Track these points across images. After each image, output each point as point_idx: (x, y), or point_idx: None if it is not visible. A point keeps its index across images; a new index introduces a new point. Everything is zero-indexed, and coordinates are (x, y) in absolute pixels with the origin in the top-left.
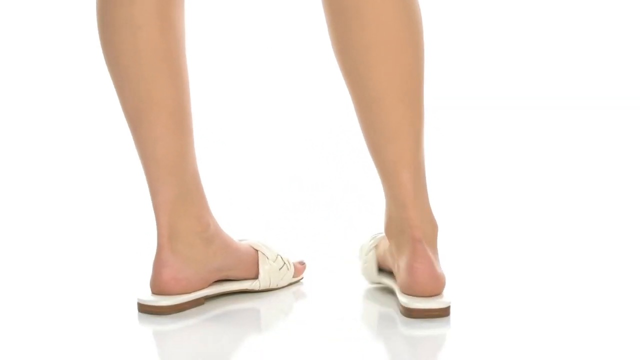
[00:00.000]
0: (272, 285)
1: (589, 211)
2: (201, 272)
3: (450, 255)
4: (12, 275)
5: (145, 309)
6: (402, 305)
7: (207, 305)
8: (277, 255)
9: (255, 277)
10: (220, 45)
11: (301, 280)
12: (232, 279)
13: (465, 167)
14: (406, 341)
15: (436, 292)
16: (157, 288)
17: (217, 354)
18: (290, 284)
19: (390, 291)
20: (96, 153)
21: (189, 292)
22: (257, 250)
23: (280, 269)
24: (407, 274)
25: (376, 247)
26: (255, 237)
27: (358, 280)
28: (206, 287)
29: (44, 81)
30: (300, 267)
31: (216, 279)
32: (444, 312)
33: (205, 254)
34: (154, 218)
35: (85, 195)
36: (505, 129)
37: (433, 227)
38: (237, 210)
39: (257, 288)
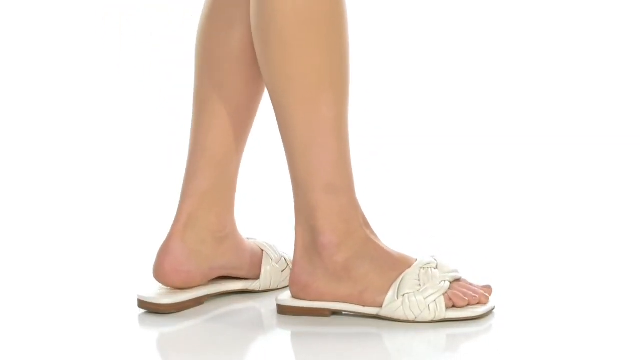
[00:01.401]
0: (273, 286)
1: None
2: (204, 268)
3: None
4: (15, 275)
5: (145, 306)
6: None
7: (208, 305)
8: (282, 257)
9: (257, 278)
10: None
11: None
12: (234, 276)
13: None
14: (405, 340)
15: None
16: (157, 276)
17: (218, 354)
18: None
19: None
20: (97, 153)
21: (189, 286)
22: (262, 250)
23: (282, 271)
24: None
25: None
26: (262, 238)
27: None
28: (206, 284)
29: (44, 81)
30: None
31: (218, 276)
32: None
33: (214, 252)
34: (178, 203)
35: (86, 195)
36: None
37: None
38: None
39: (257, 289)
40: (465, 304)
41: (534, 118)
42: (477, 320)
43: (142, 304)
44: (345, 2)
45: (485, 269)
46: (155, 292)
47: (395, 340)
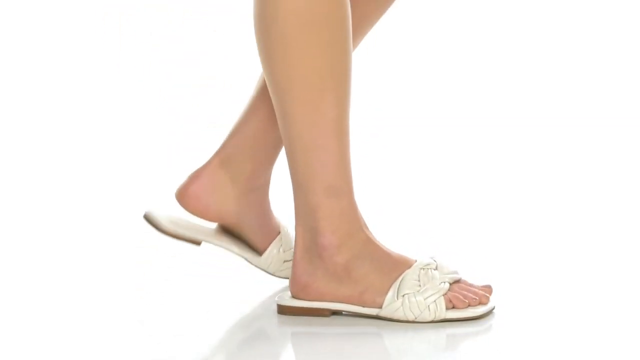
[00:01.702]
0: (269, 270)
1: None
2: (222, 208)
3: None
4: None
5: (149, 221)
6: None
7: (206, 300)
8: (292, 249)
9: (261, 253)
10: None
11: None
12: (243, 238)
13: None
14: (405, 340)
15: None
16: (178, 196)
17: (218, 355)
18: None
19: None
20: (97, 153)
21: (201, 216)
22: (279, 232)
23: (284, 262)
24: None
25: None
26: (288, 223)
27: None
28: (213, 233)
29: (44, 81)
30: None
31: (229, 224)
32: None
33: (238, 199)
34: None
35: (85, 195)
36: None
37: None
38: None
39: (254, 264)
40: (466, 306)
41: (533, 118)
42: (477, 320)
43: (148, 218)
44: (348, 3)
45: (485, 269)
46: (165, 215)
47: (395, 340)
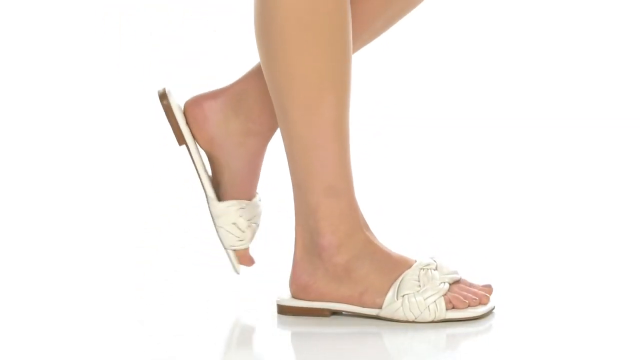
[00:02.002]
0: (216, 223)
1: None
2: (216, 137)
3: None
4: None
5: (162, 97)
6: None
7: (205, 303)
8: (248, 221)
9: (219, 200)
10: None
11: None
12: (217, 176)
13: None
14: (405, 340)
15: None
16: (189, 103)
17: (218, 355)
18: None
19: None
20: (97, 153)
21: (194, 133)
22: (252, 198)
23: (229, 229)
24: None
25: None
26: (265, 200)
27: None
28: (197, 146)
29: (44, 81)
30: (247, 258)
31: (215, 156)
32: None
33: (235, 135)
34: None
35: (84, 195)
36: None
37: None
38: None
39: (209, 207)
40: (465, 306)
41: (533, 119)
42: (477, 320)
43: (163, 95)
44: (348, 3)
45: (485, 269)
46: (176, 103)
47: (395, 340)
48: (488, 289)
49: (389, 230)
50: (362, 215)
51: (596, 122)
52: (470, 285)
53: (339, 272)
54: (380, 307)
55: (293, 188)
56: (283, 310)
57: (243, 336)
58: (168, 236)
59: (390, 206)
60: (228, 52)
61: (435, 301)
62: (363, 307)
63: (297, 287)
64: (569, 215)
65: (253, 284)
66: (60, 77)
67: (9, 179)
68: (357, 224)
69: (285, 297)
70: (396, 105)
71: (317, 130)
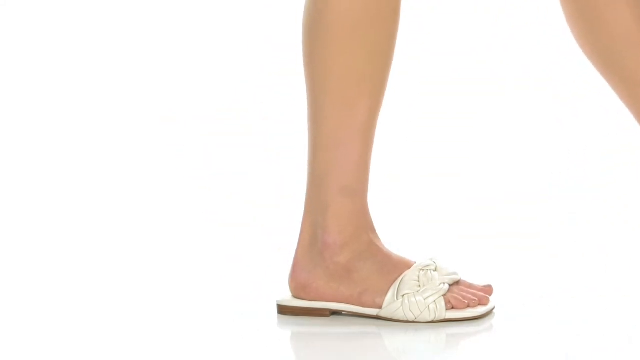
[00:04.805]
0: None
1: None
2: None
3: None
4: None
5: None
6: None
7: (206, 305)
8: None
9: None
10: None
11: None
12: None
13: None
14: (405, 340)
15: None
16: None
17: (217, 354)
18: None
19: None
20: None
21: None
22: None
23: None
24: None
25: None
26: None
27: None
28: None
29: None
30: None
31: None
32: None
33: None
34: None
35: (83, 195)
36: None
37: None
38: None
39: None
40: (465, 307)
41: (534, 119)
42: (477, 320)
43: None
44: (399, 11)
45: (485, 269)
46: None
47: (395, 340)
48: (488, 289)
49: (389, 231)
50: (370, 217)
51: (595, 122)
52: (470, 286)
53: (340, 272)
54: (380, 307)
55: (308, 183)
56: (283, 310)
57: (243, 336)
58: (168, 236)
59: (390, 206)
60: (228, 51)
61: (435, 301)
62: (363, 307)
63: (297, 286)
64: (569, 215)
65: (253, 284)
66: (60, 77)
67: (9, 179)
68: (364, 225)
69: (286, 297)
70: (396, 106)
71: (347, 130)
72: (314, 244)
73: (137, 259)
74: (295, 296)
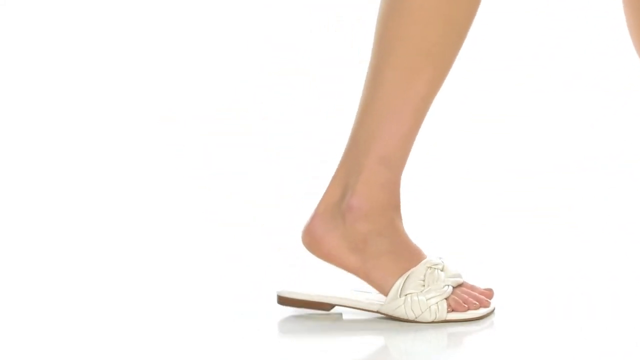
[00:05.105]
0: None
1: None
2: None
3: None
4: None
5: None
6: None
7: (207, 306)
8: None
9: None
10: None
11: None
12: None
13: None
14: (406, 340)
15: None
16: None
17: (216, 353)
18: None
19: None
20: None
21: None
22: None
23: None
24: None
25: None
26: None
27: None
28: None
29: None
30: None
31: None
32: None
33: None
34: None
35: (82, 196)
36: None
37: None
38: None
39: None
40: (465, 310)
41: (536, 120)
42: (478, 320)
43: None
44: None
45: (486, 271)
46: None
47: (395, 340)
48: (489, 292)
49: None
50: (399, 195)
51: (596, 122)
52: (472, 288)
53: (356, 240)
54: (385, 292)
55: (348, 143)
56: (283, 301)
57: (243, 336)
58: (168, 236)
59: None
60: (229, 51)
61: (437, 303)
62: (369, 282)
63: (311, 240)
64: (569, 216)
65: (253, 284)
66: (60, 77)
67: (9, 179)
68: (392, 201)
69: (286, 288)
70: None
71: (402, 101)
72: (338, 204)
73: (137, 259)
74: (307, 249)
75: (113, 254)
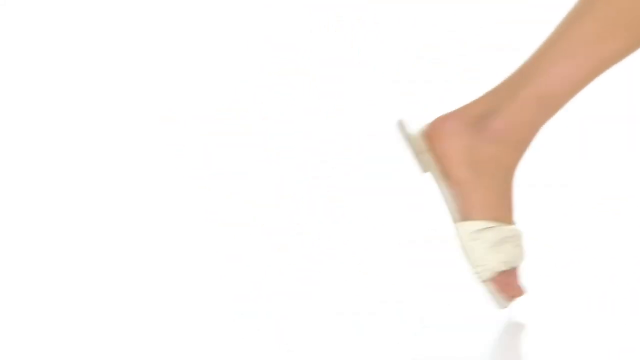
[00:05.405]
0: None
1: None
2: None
3: None
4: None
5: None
6: None
7: (209, 304)
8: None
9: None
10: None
11: None
12: None
13: None
14: (409, 339)
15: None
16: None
17: (216, 353)
18: None
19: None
20: (96, 153)
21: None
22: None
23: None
24: None
25: None
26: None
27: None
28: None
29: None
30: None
31: None
32: None
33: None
34: None
35: (81, 196)
36: None
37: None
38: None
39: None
40: (505, 297)
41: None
42: (478, 321)
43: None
44: None
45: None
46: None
47: (398, 340)
48: (521, 291)
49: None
50: (528, 147)
51: (596, 122)
52: (517, 278)
53: (475, 161)
54: (464, 219)
55: (516, 70)
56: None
57: (243, 336)
58: (168, 236)
59: (393, 207)
60: (228, 51)
61: (490, 269)
62: (460, 198)
63: (436, 132)
64: (570, 217)
65: (253, 284)
66: (59, 77)
67: (9, 179)
68: (525, 144)
69: (411, 128)
70: (396, 106)
71: (588, 50)
72: (478, 117)
73: (137, 259)
74: (424, 138)
75: (113, 254)
